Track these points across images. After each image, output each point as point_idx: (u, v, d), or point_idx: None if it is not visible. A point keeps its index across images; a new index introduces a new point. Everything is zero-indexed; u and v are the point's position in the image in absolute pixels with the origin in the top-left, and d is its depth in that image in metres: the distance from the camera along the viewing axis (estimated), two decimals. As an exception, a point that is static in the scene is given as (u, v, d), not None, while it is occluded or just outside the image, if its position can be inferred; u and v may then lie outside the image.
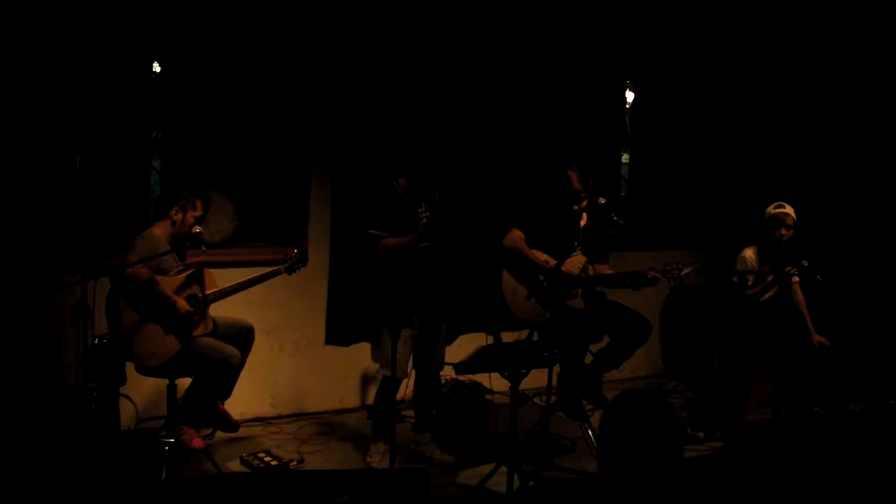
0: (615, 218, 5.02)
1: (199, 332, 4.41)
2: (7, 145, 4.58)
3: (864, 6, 6.33)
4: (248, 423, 5.26)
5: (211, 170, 5.40)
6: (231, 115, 5.43)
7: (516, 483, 3.95)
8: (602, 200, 4.77)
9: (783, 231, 5.14)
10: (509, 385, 3.91)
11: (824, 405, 5.12)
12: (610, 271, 4.94)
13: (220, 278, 4.58)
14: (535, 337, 4.81)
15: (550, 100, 6.14)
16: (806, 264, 5.05)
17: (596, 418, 5.07)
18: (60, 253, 4.66)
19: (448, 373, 4.95)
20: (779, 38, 6.71)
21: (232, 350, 4.49)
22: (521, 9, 5.92)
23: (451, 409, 5.22)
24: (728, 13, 6.68)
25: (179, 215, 4.45)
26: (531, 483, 4.32)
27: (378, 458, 4.76)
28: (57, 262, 4.64)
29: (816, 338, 5.28)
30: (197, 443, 4.63)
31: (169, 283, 4.31)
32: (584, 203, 4.82)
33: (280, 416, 5.48)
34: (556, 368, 4.89)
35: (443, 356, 4.85)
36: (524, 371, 3.90)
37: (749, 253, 5.27)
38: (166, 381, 4.39)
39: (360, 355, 5.62)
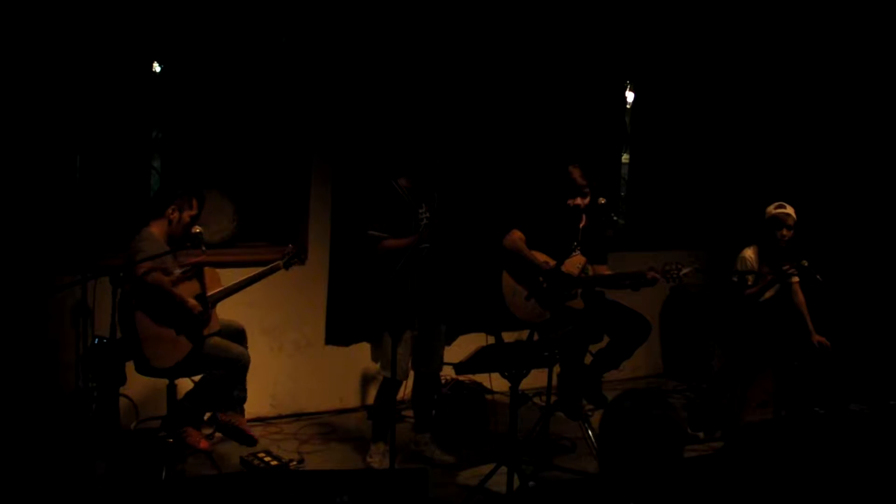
0: (615, 218, 5.03)
1: (207, 331, 4.43)
2: (7, 145, 4.58)
3: (864, 6, 6.33)
4: (248, 423, 5.24)
5: (211, 170, 5.40)
6: (231, 114, 5.42)
7: (516, 483, 3.94)
8: (602, 200, 4.77)
9: (784, 231, 5.14)
10: (509, 385, 3.91)
11: (824, 405, 5.11)
12: (609, 272, 4.94)
13: (221, 278, 4.58)
14: (535, 337, 4.81)
15: (550, 100, 6.14)
16: (806, 264, 5.05)
17: (596, 418, 5.06)
18: (60, 253, 4.66)
19: (448, 373, 4.95)
20: (779, 38, 6.71)
21: (241, 349, 4.51)
22: (520, 9, 5.92)
23: (451, 410, 5.22)
24: (728, 13, 6.68)
25: (176, 214, 4.44)
26: (531, 483, 4.31)
27: (378, 458, 4.75)
28: (57, 262, 4.64)
29: (816, 338, 5.28)
30: (204, 444, 4.63)
31: (175, 284, 4.32)
32: (587, 200, 4.81)
33: (280, 416, 5.48)
34: (556, 368, 4.89)
35: (442, 357, 4.85)
36: (524, 371, 3.90)
37: (749, 253, 5.27)
38: (166, 380, 4.39)
39: (360, 355, 5.62)
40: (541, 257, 4.79)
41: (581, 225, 4.91)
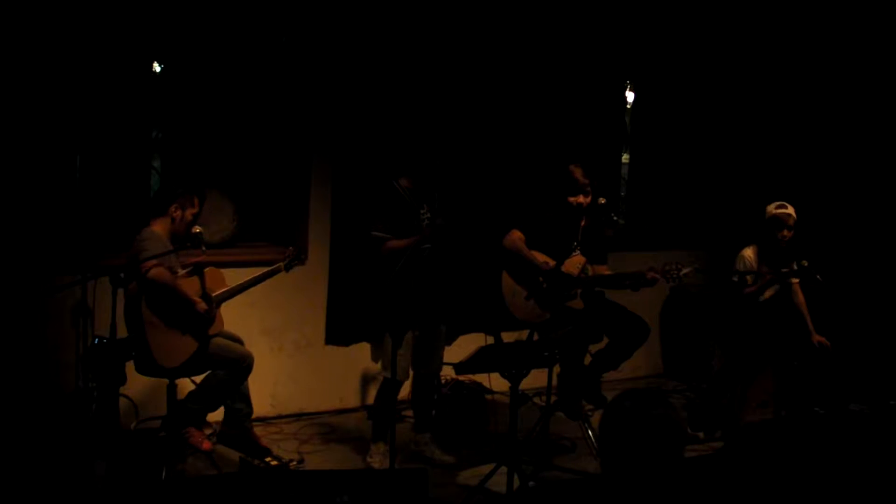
0: (615, 218, 5.02)
1: (212, 331, 4.43)
2: (7, 145, 4.58)
3: (864, 6, 6.33)
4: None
5: (211, 170, 5.40)
6: (231, 114, 5.43)
7: (516, 483, 3.94)
8: (602, 200, 4.77)
9: (785, 232, 5.13)
10: (509, 385, 3.91)
11: (824, 405, 5.11)
12: (609, 272, 4.94)
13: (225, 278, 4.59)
14: (535, 337, 4.81)
15: (551, 100, 6.14)
16: (806, 264, 5.05)
17: (596, 418, 5.07)
18: (60, 253, 4.66)
19: (448, 373, 4.96)
20: (779, 39, 6.71)
21: (245, 350, 4.52)
22: (520, 9, 5.92)
23: (451, 410, 5.22)
24: (728, 13, 6.68)
25: (179, 212, 4.43)
26: (531, 483, 4.31)
27: (378, 458, 4.75)
28: (57, 262, 4.64)
29: (816, 338, 5.27)
30: (206, 445, 4.63)
31: (180, 283, 4.32)
32: (589, 199, 4.81)
33: (280, 416, 5.48)
34: (556, 368, 4.89)
35: (442, 357, 4.85)
36: (524, 371, 3.90)
37: (749, 253, 5.26)
38: (166, 380, 4.39)
39: (360, 355, 5.63)
40: (541, 257, 4.79)
41: (581, 225, 4.91)
